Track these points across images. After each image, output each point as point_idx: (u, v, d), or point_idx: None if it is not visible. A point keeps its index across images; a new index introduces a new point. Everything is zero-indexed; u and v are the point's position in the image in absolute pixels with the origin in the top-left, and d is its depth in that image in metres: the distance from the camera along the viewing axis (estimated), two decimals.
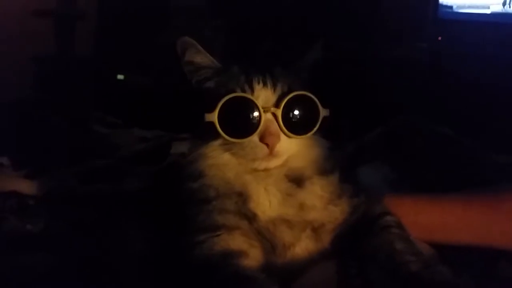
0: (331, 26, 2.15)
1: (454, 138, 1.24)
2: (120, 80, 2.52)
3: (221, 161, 0.75)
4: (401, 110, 1.43)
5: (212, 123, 0.72)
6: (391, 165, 1.22)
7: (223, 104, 0.72)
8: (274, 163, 0.74)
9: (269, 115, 0.73)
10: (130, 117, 1.79)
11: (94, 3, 2.68)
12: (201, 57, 0.77)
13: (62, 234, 0.96)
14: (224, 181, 0.75)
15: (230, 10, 2.51)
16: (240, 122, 0.72)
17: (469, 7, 2.18)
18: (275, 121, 0.73)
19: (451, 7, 2.20)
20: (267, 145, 0.72)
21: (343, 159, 0.93)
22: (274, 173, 0.75)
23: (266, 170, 0.75)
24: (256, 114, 0.72)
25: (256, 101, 0.72)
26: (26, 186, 1.13)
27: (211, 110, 0.72)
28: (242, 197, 0.74)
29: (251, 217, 0.73)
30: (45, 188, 1.13)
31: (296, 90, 0.74)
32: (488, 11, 2.15)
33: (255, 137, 0.72)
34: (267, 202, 0.74)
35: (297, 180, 0.76)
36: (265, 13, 2.37)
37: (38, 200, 1.09)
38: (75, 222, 0.99)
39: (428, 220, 0.91)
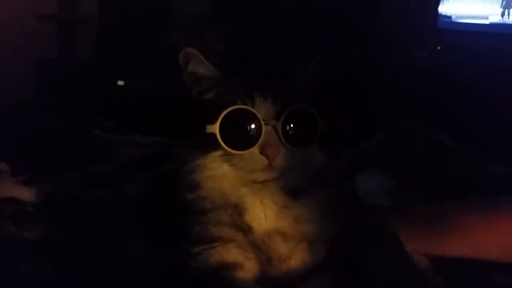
0: (331, 35, 2.16)
1: (452, 148, 1.24)
2: (120, 86, 2.52)
3: (218, 172, 0.75)
4: (400, 118, 1.43)
5: (213, 134, 0.72)
6: (388, 173, 1.22)
7: (224, 116, 0.72)
8: (272, 174, 0.74)
9: (269, 128, 0.73)
10: (129, 123, 1.79)
11: (95, 7, 2.68)
12: (204, 68, 0.77)
13: (60, 241, 0.96)
14: (220, 193, 0.75)
15: (231, 15, 2.51)
16: (241, 134, 0.73)
17: (468, 17, 2.19)
18: (275, 134, 0.73)
19: (450, 17, 2.21)
20: (267, 157, 0.72)
21: (340, 169, 0.93)
22: (270, 186, 0.75)
23: (263, 182, 0.75)
24: (257, 126, 0.72)
25: (257, 114, 0.72)
26: (24, 193, 1.13)
27: (212, 121, 0.72)
28: (238, 209, 0.74)
29: (246, 230, 0.74)
30: (43, 194, 1.13)
31: (296, 103, 0.74)
32: (487, 22, 2.15)
33: (255, 149, 0.73)
34: (263, 215, 0.74)
35: (293, 193, 0.76)
36: (265, 20, 2.38)
37: (36, 207, 1.09)
38: (74, 229, 0.99)
39: (425, 233, 0.92)
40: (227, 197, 0.75)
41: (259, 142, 0.72)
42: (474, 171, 1.15)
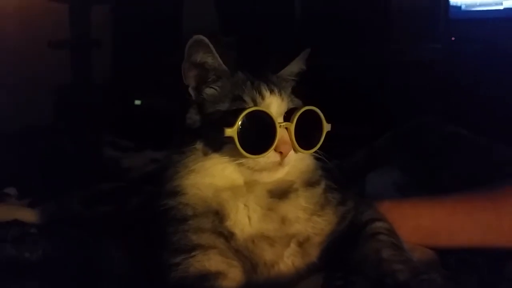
0: (345, 29, 2.16)
1: (468, 138, 1.19)
2: (137, 105, 2.54)
3: (218, 174, 0.72)
4: (415, 111, 1.40)
5: (230, 138, 0.68)
6: (402, 168, 1.18)
7: (242, 119, 0.68)
8: (279, 174, 0.72)
9: (282, 129, 0.70)
10: (142, 140, 1.80)
11: (107, 31, 2.73)
12: (213, 59, 0.73)
13: (60, 261, 0.96)
14: (202, 200, 0.72)
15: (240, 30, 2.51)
16: (259, 137, 0.69)
17: (481, 5, 2.12)
18: (287, 133, 0.71)
19: (460, 7, 2.15)
20: (281, 153, 0.69)
21: (335, 167, 0.90)
22: (256, 189, 0.72)
23: (267, 182, 0.72)
24: (272, 128, 0.69)
25: (272, 115, 0.69)
26: (28, 215, 1.13)
27: (222, 122, 0.69)
28: (219, 215, 0.71)
29: (228, 236, 0.71)
30: (47, 215, 1.14)
31: (304, 104, 0.73)
32: (501, 7, 2.08)
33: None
34: (246, 219, 0.71)
35: (280, 194, 0.73)
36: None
37: (39, 228, 1.09)
38: (75, 247, 0.99)
39: (431, 224, 0.87)
40: (208, 203, 0.72)
41: (275, 144, 0.69)
42: (487, 166, 1.09)
